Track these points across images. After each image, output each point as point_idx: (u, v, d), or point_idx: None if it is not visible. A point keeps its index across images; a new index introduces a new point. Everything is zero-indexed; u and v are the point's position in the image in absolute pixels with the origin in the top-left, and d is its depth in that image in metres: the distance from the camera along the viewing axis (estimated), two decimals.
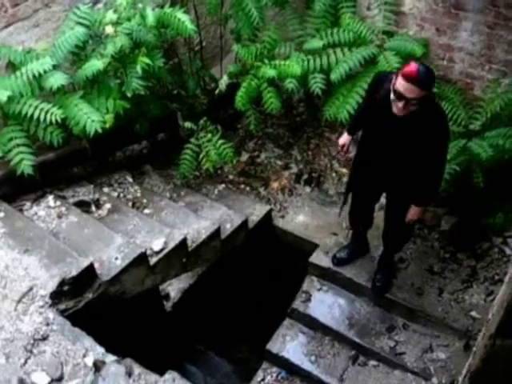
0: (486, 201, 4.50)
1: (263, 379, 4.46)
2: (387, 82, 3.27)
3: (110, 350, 3.44)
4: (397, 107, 3.18)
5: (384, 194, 4.07)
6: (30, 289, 3.56)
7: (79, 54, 4.28)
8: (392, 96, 3.16)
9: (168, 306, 5.27)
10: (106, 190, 4.76)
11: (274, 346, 4.48)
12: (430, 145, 3.33)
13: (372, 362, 4.30)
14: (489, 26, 4.35)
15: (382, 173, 3.70)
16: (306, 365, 4.35)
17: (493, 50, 4.43)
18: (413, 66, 3.04)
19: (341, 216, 4.43)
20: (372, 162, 3.72)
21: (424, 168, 3.47)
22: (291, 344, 4.48)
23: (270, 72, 4.56)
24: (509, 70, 4.43)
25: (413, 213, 3.75)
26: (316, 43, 4.71)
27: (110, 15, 4.12)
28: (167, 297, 5.32)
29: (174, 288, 5.34)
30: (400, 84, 3.07)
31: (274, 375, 4.48)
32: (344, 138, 4.06)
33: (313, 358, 4.38)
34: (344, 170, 5.34)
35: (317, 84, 4.66)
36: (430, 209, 4.64)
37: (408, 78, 3.02)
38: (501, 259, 4.55)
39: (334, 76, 4.59)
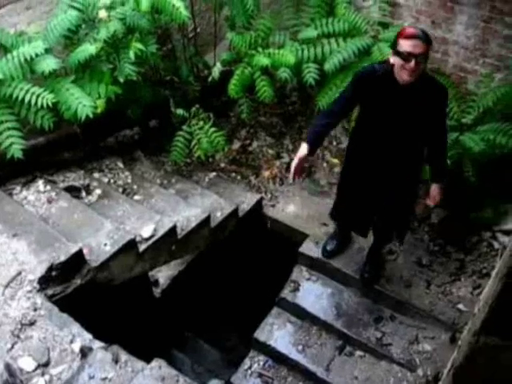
0: (476, 195, 4.52)
1: (250, 367, 4.46)
2: (373, 70, 3.44)
3: (98, 335, 3.45)
4: (408, 70, 3.20)
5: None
6: (19, 273, 3.56)
7: (72, 38, 4.25)
8: (399, 61, 3.20)
9: (157, 292, 5.27)
10: (96, 175, 4.75)
11: (261, 334, 4.48)
12: (436, 113, 3.47)
13: (358, 353, 4.31)
14: (484, 20, 4.34)
15: (384, 158, 3.60)
16: (293, 354, 4.35)
17: (487, 45, 4.43)
18: (409, 27, 3.30)
19: None
20: (372, 150, 3.63)
21: (433, 140, 3.59)
22: (279, 333, 4.48)
23: (264, 60, 4.55)
24: (502, 65, 4.43)
25: (436, 192, 3.76)
26: (310, 33, 4.70)
27: None
28: (156, 283, 5.32)
29: (164, 274, 5.34)
30: (406, 44, 3.17)
31: (261, 363, 4.48)
32: (302, 153, 3.42)
33: (300, 347, 4.38)
34: (335, 161, 5.34)
35: (310, 74, 4.65)
36: (420, 201, 4.64)
37: (411, 35, 3.17)
38: (489, 253, 4.57)
39: (327, 66, 4.58)
